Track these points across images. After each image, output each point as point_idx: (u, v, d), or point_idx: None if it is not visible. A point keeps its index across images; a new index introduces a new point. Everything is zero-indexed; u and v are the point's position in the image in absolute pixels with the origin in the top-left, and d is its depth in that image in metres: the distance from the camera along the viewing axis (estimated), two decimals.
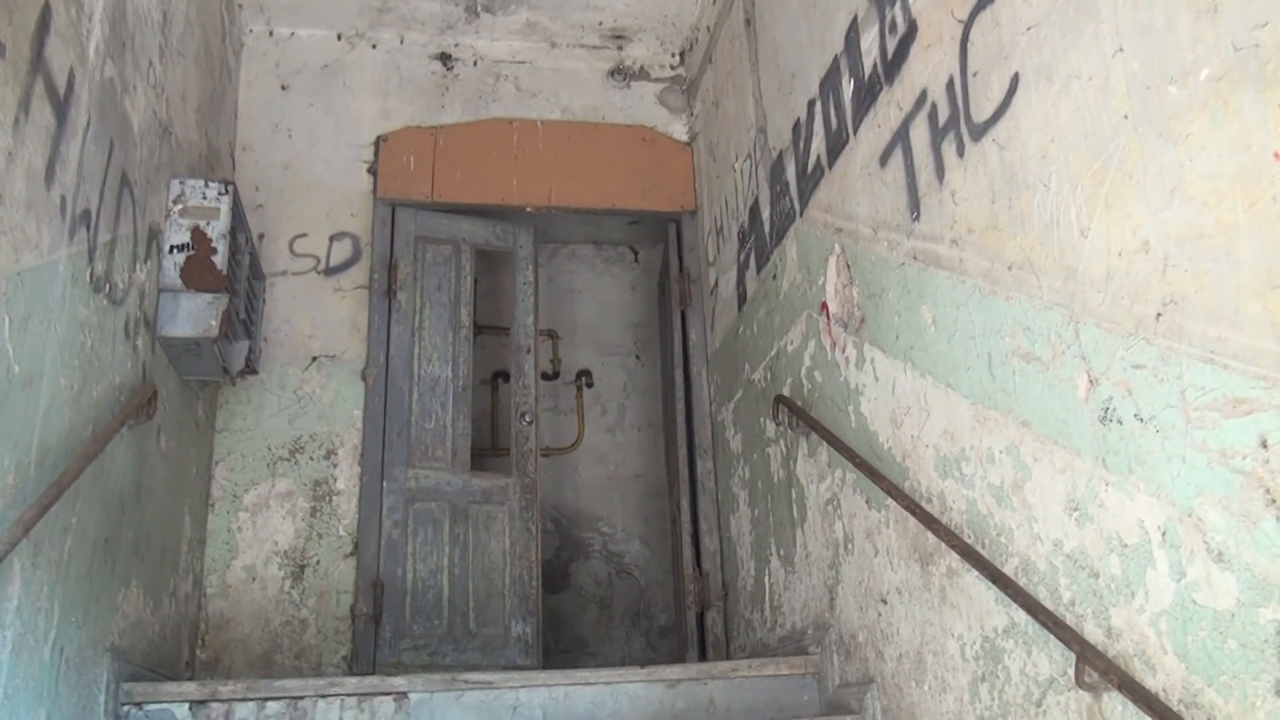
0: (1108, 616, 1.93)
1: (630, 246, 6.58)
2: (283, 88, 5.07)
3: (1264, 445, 1.55)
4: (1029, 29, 2.20)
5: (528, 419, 4.91)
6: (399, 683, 3.21)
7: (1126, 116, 1.88)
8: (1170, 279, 1.76)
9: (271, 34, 5.14)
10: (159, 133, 3.50)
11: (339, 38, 5.21)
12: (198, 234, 3.63)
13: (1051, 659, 2.11)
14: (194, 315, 3.53)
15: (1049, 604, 2.10)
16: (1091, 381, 1.98)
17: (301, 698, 3.13)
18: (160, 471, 3.56)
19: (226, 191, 3.71)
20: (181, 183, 3.67)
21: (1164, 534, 1.78)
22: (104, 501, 2.93)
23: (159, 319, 3.50)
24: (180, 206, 3.64)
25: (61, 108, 2.57)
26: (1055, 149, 2.11)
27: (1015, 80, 2.26)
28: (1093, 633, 1.97)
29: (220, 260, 3.63)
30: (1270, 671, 1.54)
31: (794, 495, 3.73)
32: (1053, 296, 2.11)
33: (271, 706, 3.10)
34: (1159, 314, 1.79)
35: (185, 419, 3.96)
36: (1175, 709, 1.73)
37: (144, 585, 3.34)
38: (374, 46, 5.24)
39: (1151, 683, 1.80)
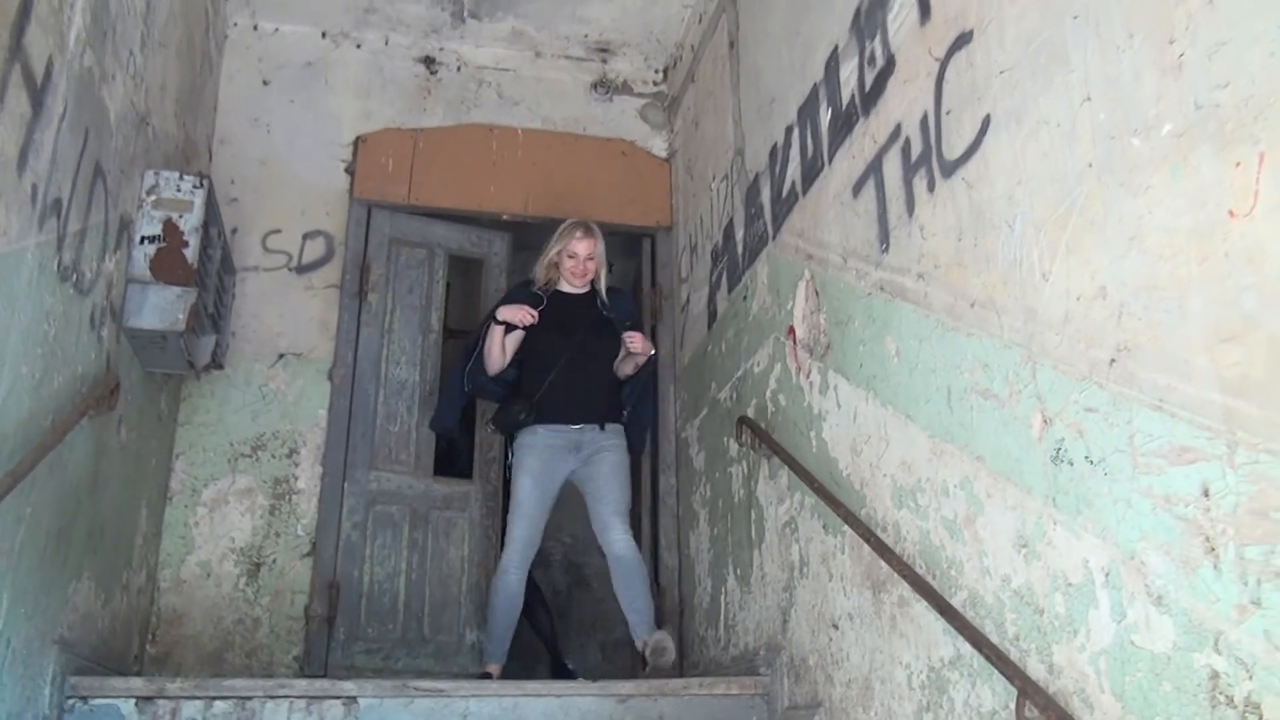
0: (1050, 653, 1.97)
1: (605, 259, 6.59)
2: (264, 83, 5.06)
3: (1205, 494, 1.59)
4: (1002, 72, 2.25)
5: (493, 426, 4.90)
6: (349, 687, 3.20)
7: (1091, 165, 1.93)
8: (1125, 326, 1.81)
9: (255, 28, 5.13)
10: (136, 123, 3.48)
11: (323, 35, 5.20)
12: (170, 226, 3.61)
13: (994, 692, 2.14)
14: (162, 308, 3.51)
15: (994, 638, 2.14)
16: (1045, 421, 2.02)
17: (250, 698, 3.11)
18: (119, 463, 3.53)
19: (201, 185, 3.70)
20: (156, 174, 3.66)
21: (1107, 575, 1.81)
22: (60, 492, 2.91)
23: (126, 310, 3.48)
24: (153, 198, 3.63)
25: (38, 95, 2.55)
26: (1021, 191, 2.15)
27: (987, 121, 2.30)
28: (1035, 668, 2.00)
29: (191, 254, 3.61)
30: (1202, 715, 1.58)
31: (753, 516, 3.76)
32: (1012, 336, 2.15)
33: (219, 706, 3.08)
34: (1112, 360, 1.83)
35: (147, 411, 3.93)
36: None
37: (96, 577, 3.32)
38: (358, 46, 5.23)
39: None
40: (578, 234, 4.15)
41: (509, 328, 4.07)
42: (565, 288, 4.21)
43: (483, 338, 4.12)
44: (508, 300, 4.21)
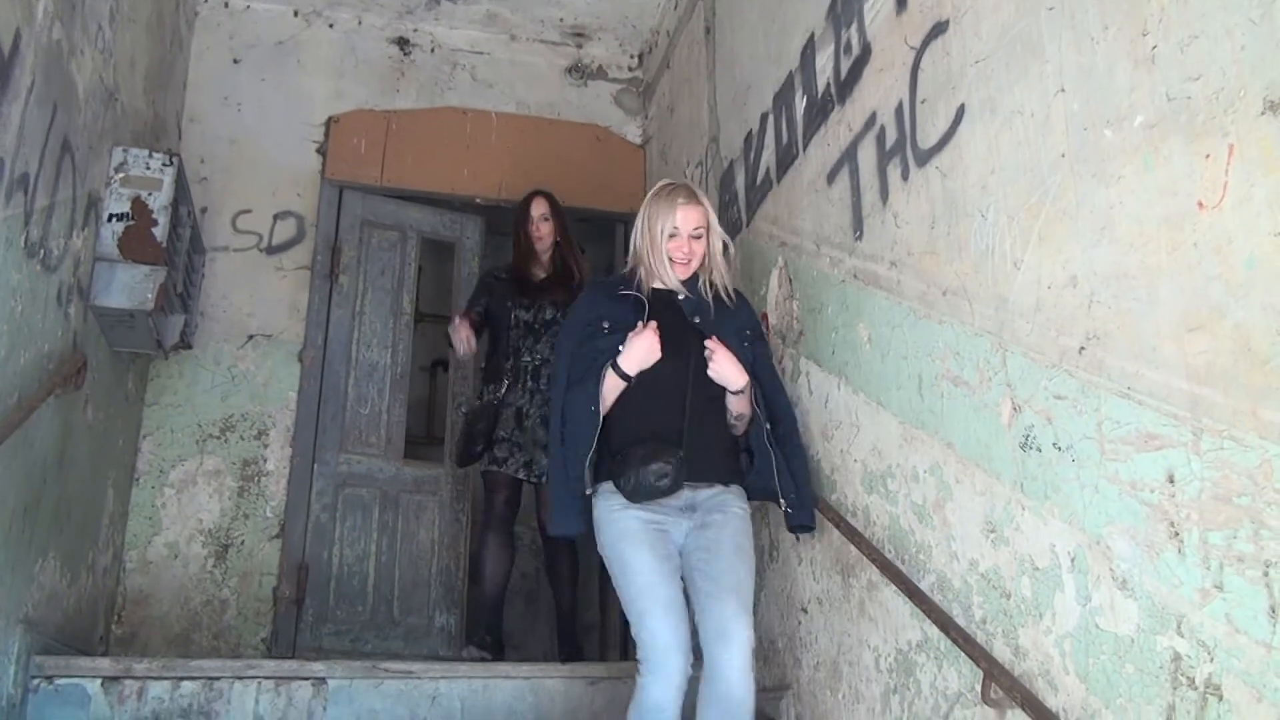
0: (1016, 636, 2.00)
1: (578, 243, 6.58)
2: (235, 61, 5.00)
3: (1171, 480, 1.62)
4: (977, 62, 2.26)
5: (464, 410, 4.89)
6: (318, 668, 3.19)
7: (1064, 155, 1.95)
8: (1094, 315, 1.83)
9: (226, 5, 5.06)
10: (104, 98, 3.44)
11: (295, 14, 5.14)
12: (138, 204, 3.57)
13: (960, 674, 2.18)
14: (130, 287, 3.48)
15: (961, 621, 2.17)
16: (1015, 408, 2.05)
17: (217, 679, 3.10)
18: (85, 443, 3.49)
19: (171, 163, 3.66)
20: (125, 151, 3.61)
21: (1073, 559, 1.84)
22: (26, 471, 2.88)
23: (93, 288, 3.44)
24: (122, 175, 3.58)
25: (5, 69, 2.52)
26: (995, 181, 2.17)
27: (961, 111, 2.32)
28: (1001, 651, 2.03)
29: (160, 232, 3.57)
30: (1163, 696, 1.61)
31: None
32: (983, 324, 2.18)
33: (186, 686, 3.07)
34: (1082, 348, 1.86)
35: (114, 390, 3.89)
36: None
37: (62, 557, 3.29)
38: (331, 26, 5.18)
39: (1053, 702, 1.86)
40: (680, 199, 2.83)
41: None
42: (659, 281, 2.87)
43: (593, 383, 2.73)
44: (587, 307, 2.92)
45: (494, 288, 4.25)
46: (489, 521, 4.08)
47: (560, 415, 2.80)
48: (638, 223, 2.91)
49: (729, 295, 2.92)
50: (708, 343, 2.77)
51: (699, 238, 2.85)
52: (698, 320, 2.84)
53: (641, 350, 2.72)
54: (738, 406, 2.80)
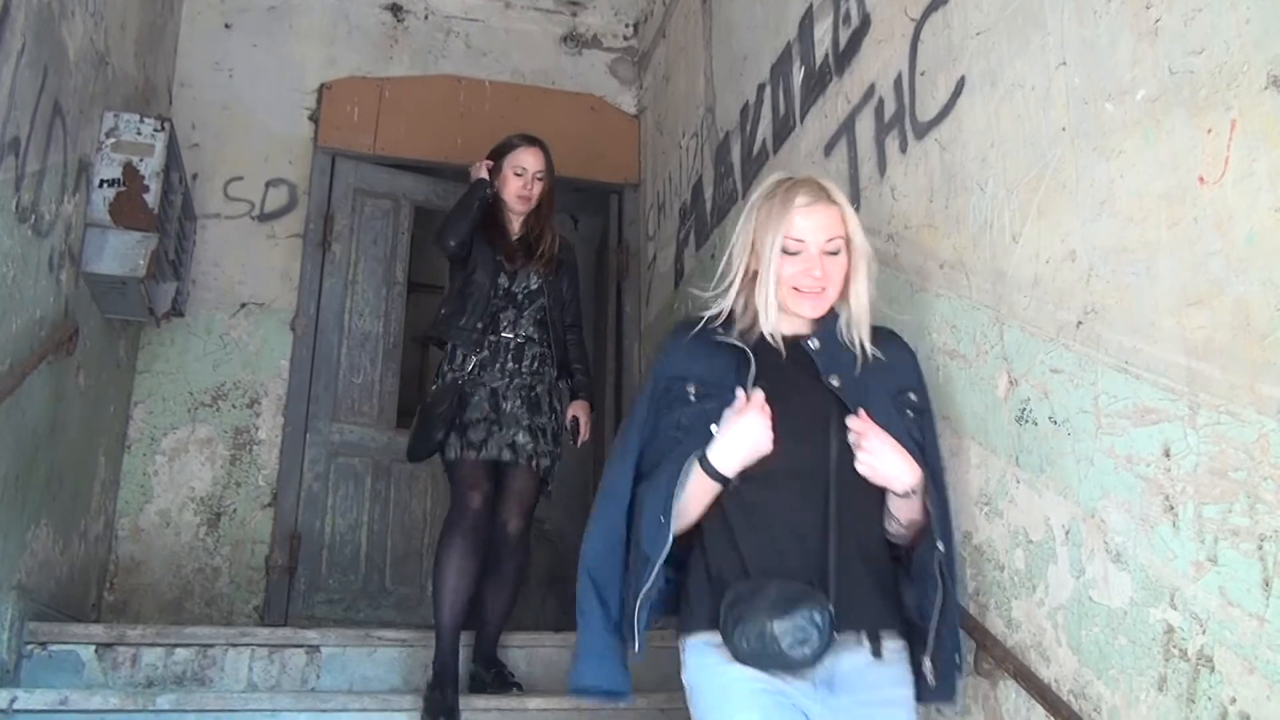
0: (1009, 608, 2.01)
1: (571, 215, 6.56)
2: (226, 26, 4.94)
3: (1166, 454, 1.63)
4: (978, 34, 2.25)
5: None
6: (311, 636, 3.21)
7: (1064, 128, 1.94)
8: (1093, 289, 1.83)
9: None
10: (95, 62, 3.40)
11: None
12: (130, 170, 3.54)
13: None
14: (122, 253, 3.45)
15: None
16: (1011, 382, 2.05)
17: (211, 646, 3.11)
18: (77, 410, 3.48)
19: (163, 128, 3.63)
20: (116, 116, 3.57)
21: (1067, 532, 1.86)
22: (18, 437, 2.86)
23: (85, 254, 3.41)
24: (113, 140, 3.55)
25: None
26: (994, 154, 2.16)
27: (961, 83, 2.31)
28: (994, 623, 2.05)
29: (152, 199, 3.55)
30: (1155, 668, 1.63)
31: None
32: (981, 297, 2.18)
33: (180, 653, 3.08)
34: (1079, 322, 1.86)
35: (106, 358, 3.87)
36: (1065, 699, 1.81)
37: (54, 524, 3.28)
38: None
39: (1045, 673, 1.88)
40: (800, 198, 1.94)
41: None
42: (775, 324, 1.97)
43: (668, 478, 1.83)
44: (671, 359, 2.00)
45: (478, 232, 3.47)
46: (457, 524, 3.21)
47: (610, 522, 1.92)
48: (737, 236, 2.00)
49: (865, 347, 1.96)
50: (851, 422, 1.83)
51: (835, 254, 1.94)
52: (836, 382, 1.91)
53: (743, 438, 1.79)
54: (906, 512, 1.87)
